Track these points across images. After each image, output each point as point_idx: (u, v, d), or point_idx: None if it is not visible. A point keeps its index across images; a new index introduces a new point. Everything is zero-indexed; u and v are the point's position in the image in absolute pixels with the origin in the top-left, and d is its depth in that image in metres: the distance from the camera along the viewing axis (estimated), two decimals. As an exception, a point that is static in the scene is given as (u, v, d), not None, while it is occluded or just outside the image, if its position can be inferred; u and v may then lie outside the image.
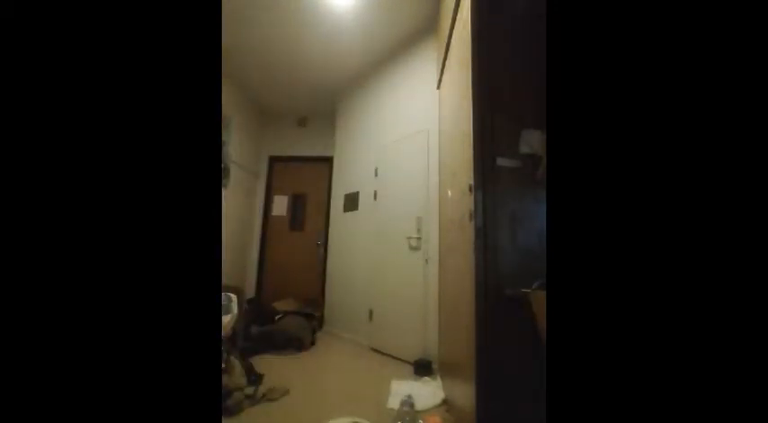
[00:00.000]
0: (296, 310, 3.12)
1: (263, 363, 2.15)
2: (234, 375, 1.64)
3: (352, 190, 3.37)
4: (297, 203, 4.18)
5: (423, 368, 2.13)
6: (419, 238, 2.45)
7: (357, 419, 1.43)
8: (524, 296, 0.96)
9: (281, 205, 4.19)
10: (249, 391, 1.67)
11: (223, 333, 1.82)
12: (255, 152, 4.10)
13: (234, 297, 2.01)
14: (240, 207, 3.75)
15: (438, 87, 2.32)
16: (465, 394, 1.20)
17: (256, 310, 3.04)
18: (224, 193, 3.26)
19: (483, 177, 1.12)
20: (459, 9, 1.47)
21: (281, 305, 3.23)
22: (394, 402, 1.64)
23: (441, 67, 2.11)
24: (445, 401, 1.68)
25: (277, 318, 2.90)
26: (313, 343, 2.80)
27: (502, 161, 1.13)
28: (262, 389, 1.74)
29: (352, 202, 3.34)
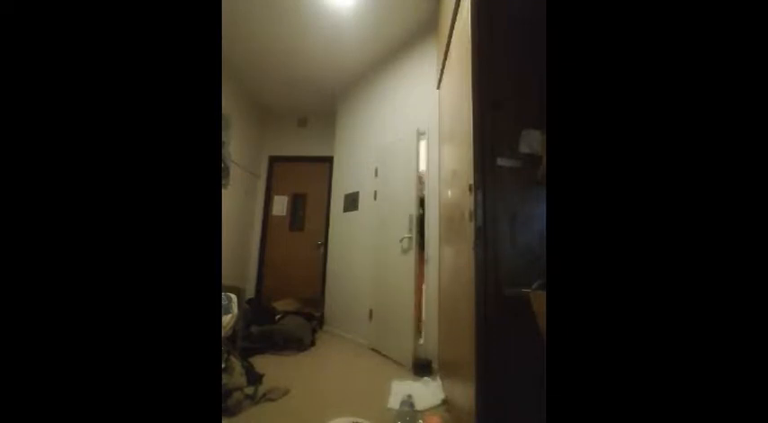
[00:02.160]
0: (296, 310, 3.12)
1: (263, 363, 2.15)
2: (234, 375, 1.63)
3: (352, 190, 3.37)
4: (297, 203, 4.19)
5: (423, 368, 2.13)
6: (411, 238, 2.45)
7: (357, 419, 1.43)
8: (524, 296, 0.96)
9: (280, 205, 4.19)
10: (249, 391, 1.67)
11: (223, 333, 1.82)
12: (255, 152, 4.10)
13: (234, 297, 2.01)
14: (240, 207, 3.75)
15: (438, 87, 2.32)
16: (465, 394, 1.20)
17: (256, 310, 3.04)
18: (224, 193, 3.26)
19: (483, 177, 1.12)
20: (459, 9, 1.48)
21: (281, 305, 3.23)
22: (394, 402, 1.64)
23: (441, 67, 2.11)
24: (445, 401, 1.68)
25: (277, 318, 2.90)
26: (313, 343, 2.80)
27: (502, 161, 1.13)
28: (262, 389, 1.74)
29: (352, 202, 3.34)
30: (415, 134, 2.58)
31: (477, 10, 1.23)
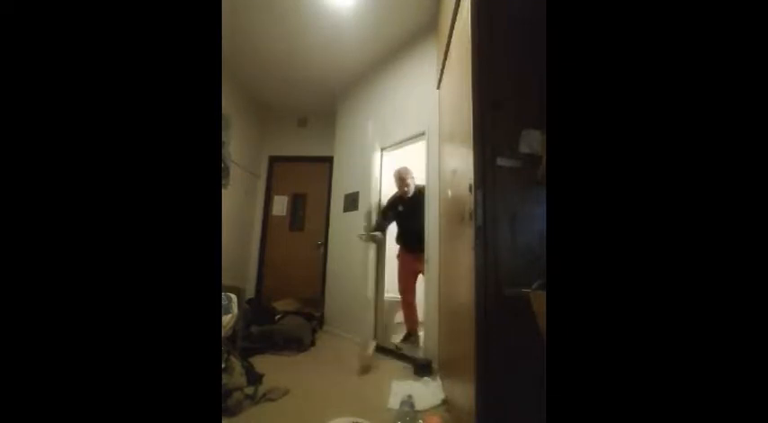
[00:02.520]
0: (296, 310, 3.12)
1: (263, 363, 2.15)
2: (234, 375, 1.63)
3: (352, 190, 3.37)
4: (297, 203, 4.18)
5: (423, 368, 2.13)
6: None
7: (357, 419, 1.43)
8: (524, 296, 0.96)
9: (281, 205, 4.19)
10: (249, 391, 1.67)
11: (223, 333, 1.82)
12: (255, 152, 4.10)
13: (234, 297, 2.00)
14: (240, 207, 3.75)
15: (438, 87, 2.32)
16: (465, 394, 1.20)
17: (256, 310, 3.04)
18: (224, 193, 3.26)
19: (483, 177, 1.12)
20: (459, 9, 1.47)
21: (281, 305, 3.23)
22: (394, 402, 1.64)
23: (441, 67, 2.11)
24: (445, 401, 1.68)
25: (277, 318, 2.90)
26: (313, 343, 2.80)
27: (502, 161, 1.13)
28: (262, 389, 1.74)
29: (352, 202, 3.33)
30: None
31: (477, 10, 1.23)
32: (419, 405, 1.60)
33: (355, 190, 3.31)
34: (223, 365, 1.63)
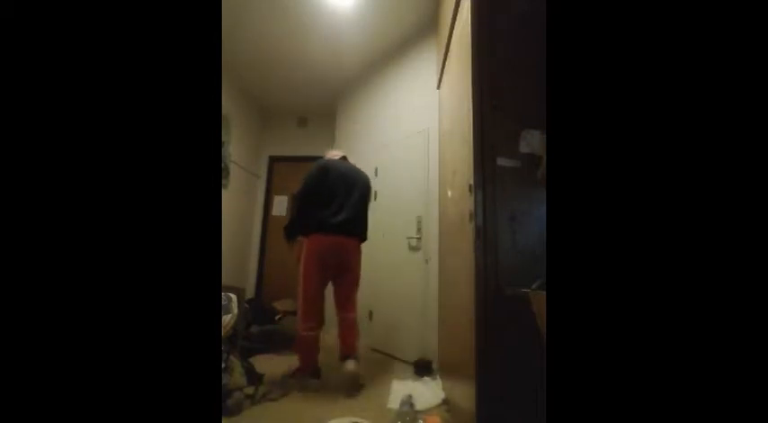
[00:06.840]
0: (296, 310, 3.12)
1: (263, 363, 2.15)
2: (234, 375, 1.63)
3: (351, 190, 3.36)
4: (297, 203, 4.18)
5: (423, 368, 2.12)
6: (419, 238, 2.45)
7: (357, 419, 1.43)
8: (524, 296, 0.96)
9: (280, 205, 4.19)
10: (249, 391, 1.67)
11: (223, 333, 1.82)
12: (255, 152, 4.10)
13: (234, 297, 2.00)
14: (240, 207, 3.75)
15: (438, 87, 2.32)
16: (465, 394, 1.20)
17: (256, 310, 3.04)
18: (224, 193, 3.26)
19: (483, 177, 1.12)
20: (459, 9, 1.48)
21: (281, 305, 3.23)
22: (394, 402, 1.64)
23: (441, 67, 2.11)
24: (445, 401, 1.68)
25: (277, 318, 2.90)
26: (313, 343, 2.79)
27: (502, 161, 1.13)
28: (262, 389, 1.74)
29: (351, 202, 3.32)
30: (422, 134, 2.57)
31: (477, 10, 1.23)
32: (419, 405, 1.60)
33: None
34: (223, 365, 1.63)
